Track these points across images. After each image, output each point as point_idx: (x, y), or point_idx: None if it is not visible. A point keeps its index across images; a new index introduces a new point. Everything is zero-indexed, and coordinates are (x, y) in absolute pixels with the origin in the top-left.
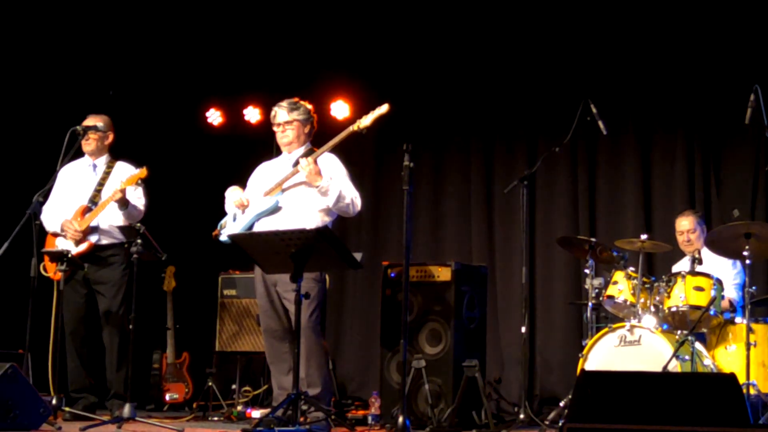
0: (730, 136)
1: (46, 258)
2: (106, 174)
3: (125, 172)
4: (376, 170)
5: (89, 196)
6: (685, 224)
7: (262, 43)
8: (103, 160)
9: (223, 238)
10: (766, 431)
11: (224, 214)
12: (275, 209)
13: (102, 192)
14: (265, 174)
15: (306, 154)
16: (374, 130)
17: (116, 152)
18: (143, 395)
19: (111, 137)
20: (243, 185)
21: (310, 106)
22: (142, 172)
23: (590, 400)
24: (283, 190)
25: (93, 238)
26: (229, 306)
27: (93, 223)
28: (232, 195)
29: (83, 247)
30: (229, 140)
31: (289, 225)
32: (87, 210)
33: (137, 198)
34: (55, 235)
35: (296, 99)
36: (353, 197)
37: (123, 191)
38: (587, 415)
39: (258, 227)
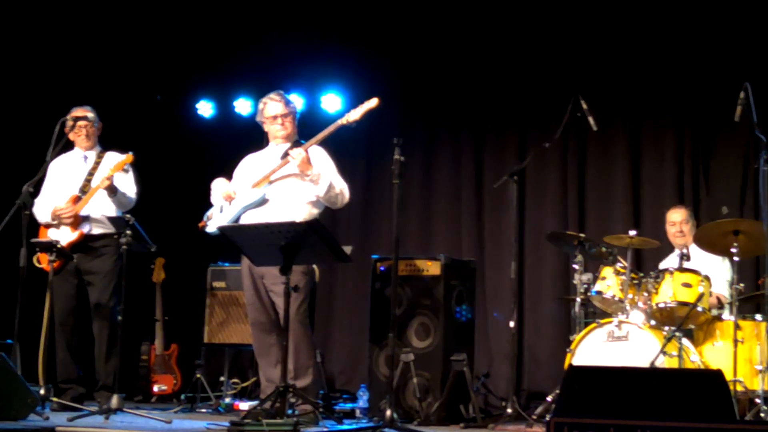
0: (719, 134)
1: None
2: (97, 164)
3: (114, 160)
4: (367, 164)
5: (80, 186)
6: (678, 216)
7: (253, 35)
8: (93, 151)
9: (210, 229)
10: (752, 427)
11: (212, 206)
12: (262, 201)
13: (92, 181)
14: (251, 166)
15: (293, 146)
16: (365, 124)
17: (106, 144)
18: (131, 386)
19: (100, 127)
20: (232, 177)
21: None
22: (129, 157)
23: (577, 395)
24: (271, 182)
25: (84, 228)
26: (218, 298)
27: (84, 213)
28: (219, 187)
29: (74, 236)
30: (220, 132)
31: (276, 217)
32: (77, 199)
33: (128, 186)
34: (48, 226)
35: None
36: (342, 188)
37: (110, 178)
38: (574, 409)
39: (244, 219)
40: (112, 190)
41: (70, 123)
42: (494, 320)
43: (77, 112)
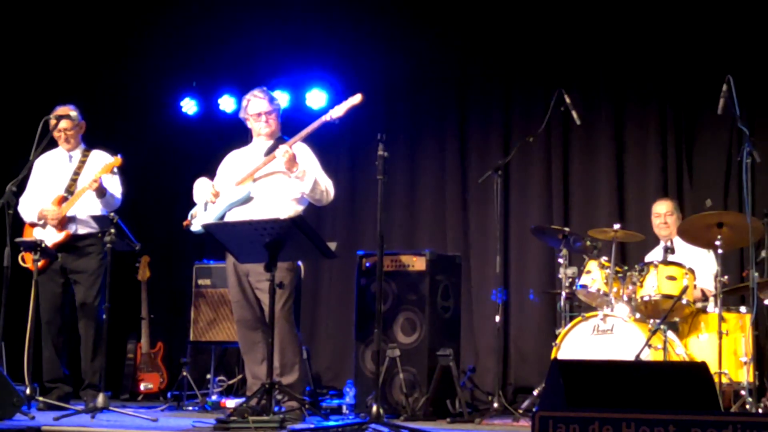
0: (703, 126)
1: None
2: (82, 163)
3: (101, 160)
4: (351, 160)
5: (65, 186)
6: (663, 208)
7: (236, 32)
8: (78, 150)
9: (195, 227)
10: (737, 419)
11: (196, 204)
12: (247, 199)
13: (78, 181)
14: (235, 163)
15: (277, 144)
16: (349, 119)
17: (91, 141)
18: (117, 385)
19: (83, 126)
20: (216, 174)
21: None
22: (117, 160)
23: (562, 388)
24: (255, 180)
25: (70, 228)
26: (204, 296)
27: (70, 213)
28: (201, 186)
29: (60, 236)
30: (204, 129)
31: (261, 214)
32: (63, 200)
33: (114, 187)
34: (33, 225)
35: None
36: (327, 185)
37: (98, 180)
38: (559, 403)
39: (229, 217)
40: (101, 192)
41: (53, 122)
42: (480, 315)
43: (59, 110)
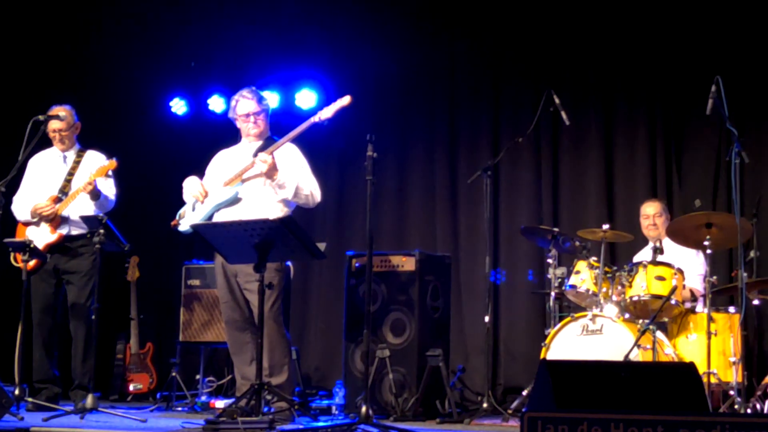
0: (691, 127)
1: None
2: (76, 164)
3: (95, 161)
4: (341, 161)
5: (59, 186)
6: (651, 209)
7: (226, 31)
8: (72, 151)
9: (182, 227)
10: (725, 419)
11: (185, 204)
12: (235, 200)
13: (72, 182)
14: (224, 162)
15: (266, 144)
16: (339, 120)
17: (81, 141)
18: (107, 385)
19: (78, 127)
20: (205, 173)
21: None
22: (112, 163)
23: (551, 389)
24: (243, 181)
25: (63, 230)
26: (193, 296)
27: (63, 214)
28: (191, 185)
29: (53, 237)
30: (193, 129)
31: (248, 215)
32: (57, 200)
33: (108, 188)
34: (26, 224)
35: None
36: (312, 189)
37: (93, 183)
38: (548, 404)
39: (217, 218)
40: (95, 195)
41: (42, 121)
42: (469, 315)
43: (52, 111)
